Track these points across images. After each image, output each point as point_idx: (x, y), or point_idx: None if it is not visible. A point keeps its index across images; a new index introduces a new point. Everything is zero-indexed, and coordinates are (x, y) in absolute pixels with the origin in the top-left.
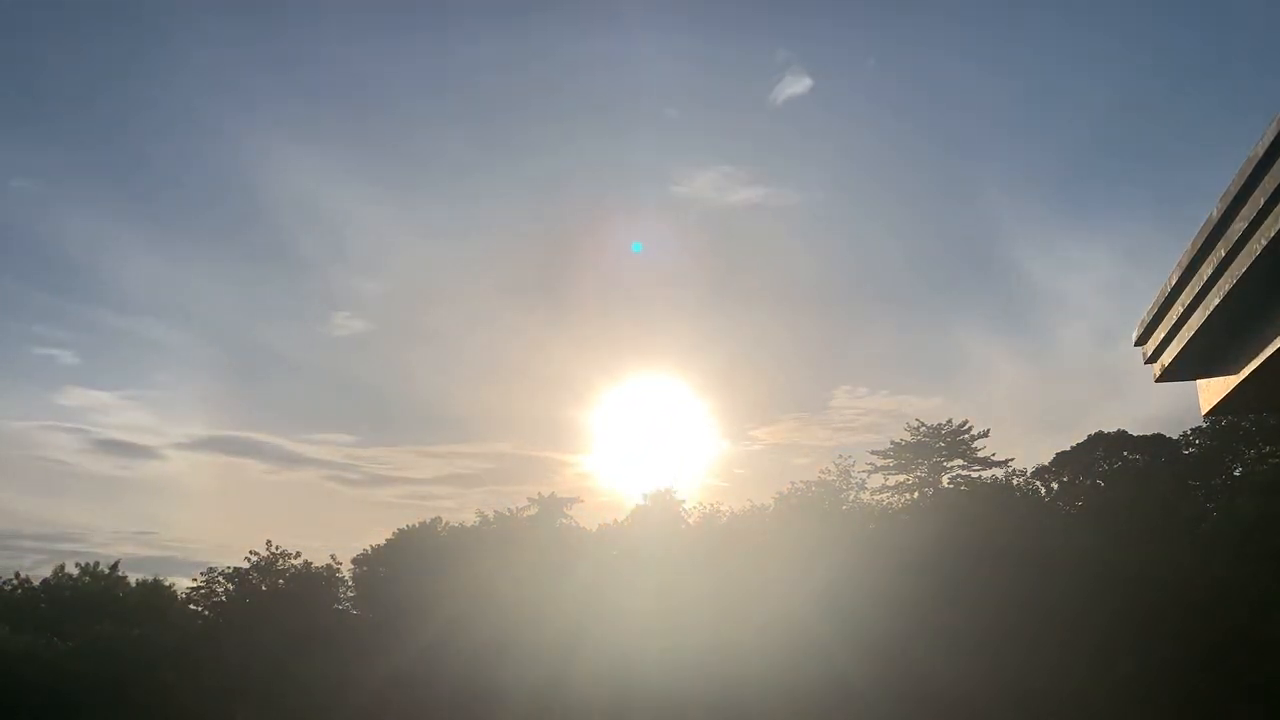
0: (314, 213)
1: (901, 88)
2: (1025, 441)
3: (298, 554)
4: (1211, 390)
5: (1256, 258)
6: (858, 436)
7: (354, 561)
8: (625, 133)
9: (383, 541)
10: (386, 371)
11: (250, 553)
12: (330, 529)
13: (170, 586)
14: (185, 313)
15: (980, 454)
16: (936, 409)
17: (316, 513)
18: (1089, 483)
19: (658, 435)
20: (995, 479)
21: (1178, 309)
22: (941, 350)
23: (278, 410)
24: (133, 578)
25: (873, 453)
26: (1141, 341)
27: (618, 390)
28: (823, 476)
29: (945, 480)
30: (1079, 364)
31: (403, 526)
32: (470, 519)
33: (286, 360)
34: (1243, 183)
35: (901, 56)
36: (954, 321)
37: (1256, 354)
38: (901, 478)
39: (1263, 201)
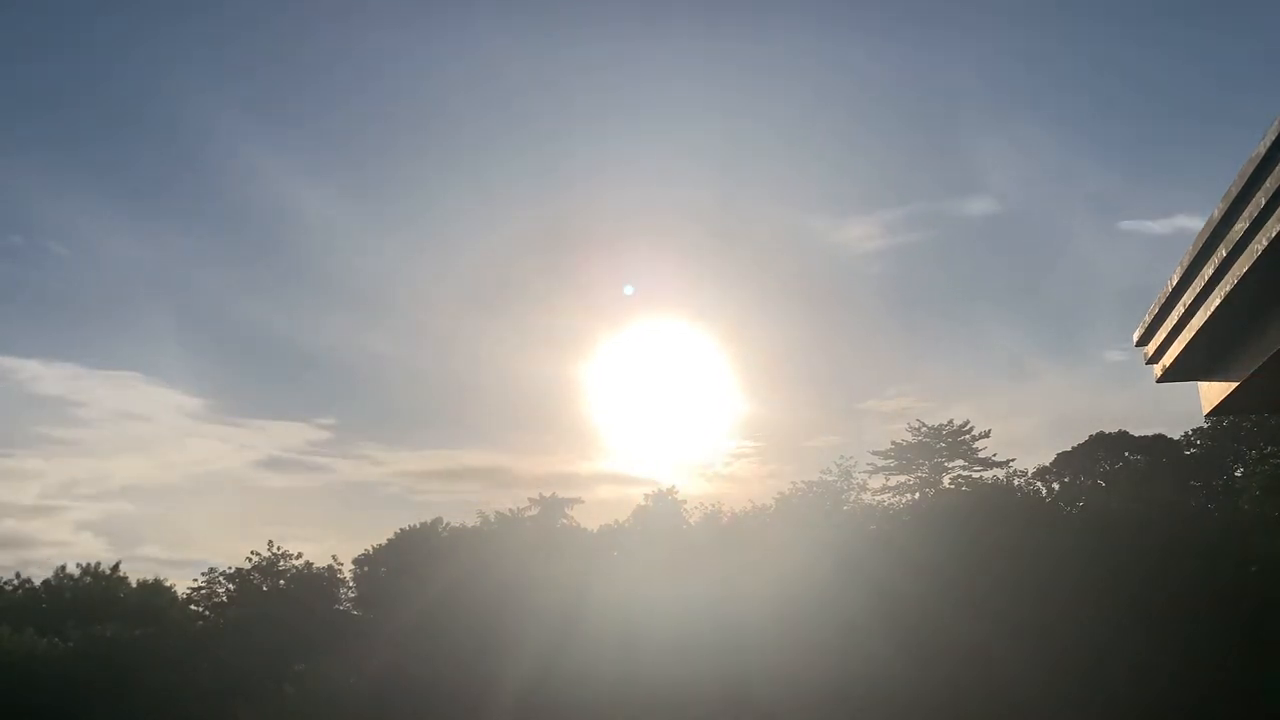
0: (313, 214)
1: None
2: (1027, 442)
3: (299, 554)
4: (1213, 391)
5: (1258, 258)
6: (862, 438)
7: (355, 562)
8: (628, 142)
9: (384, 541)
10: (386, 372)
11: (251, 553)
12: (328, 530)
13: (171, 587)
14: (182, 309)
15: (981, 454)
16: (936, 410)
17: (313, 514)
18: (1090, 483)
19: (664, 432)
20: (996, 479)
21: (1179, 310)
22: (945, 353)
23: (276, 409)
24: (133, 578)
25: (873, 453)
26: (1143, 342)
27: (625, 387)
28: (823, 477)
29: (946, 481)
30: (1081, 363)
31: (403, 527)
32: (471, 519)
33: (285, 358)
34: (1244, 183)
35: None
36: (962, 324)
37: (1258, 355)
38: (902, 478)
39: (1264, 202)
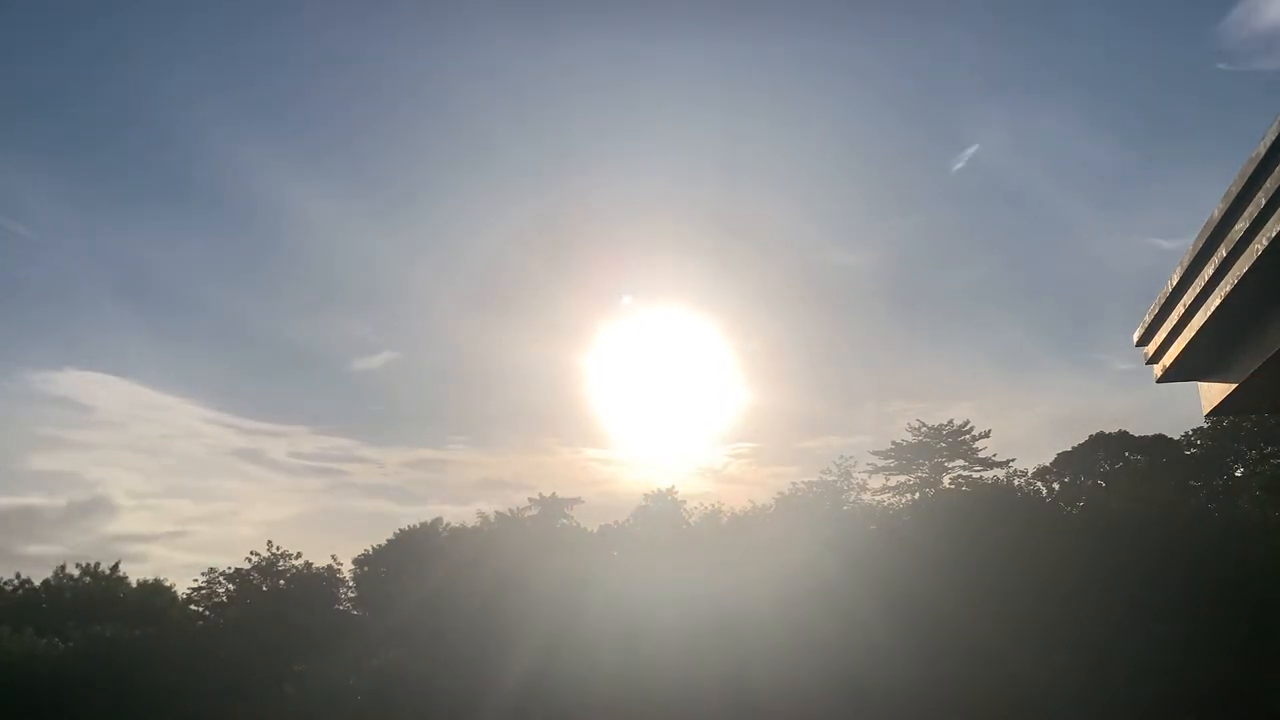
0: (314, 214)
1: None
2: (1028, 442)
3: (298, 554)
4: (1213, 391)
5: (1258, 258)
6: (862, 438)
7: (354, 562)
8: (628, 140)
9: (383, 542)
10: (388, 372)
11: (251, 553)
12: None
13: (171, 587)
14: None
15: (981, 454)
16: (936, 410)
17: (317, 512)
18: (1090, 483)
19: (664, 431)
20: (996, 479)
21: (1179, 310)
22: (945, 353)
23: (283, 409)
24: (133, 578)
25: (873, 453)
26: (1143, 342)
27: (626, 385)
28: (824, 477)
29: (946, 481)
30: (1082, 364)
31: (403, 527)
32: (471, 519)
33: (288, 358)
34: (1244, 183)
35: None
36: (963, 324)
37: (1258, 355)
38: (902, 478)
39: (1264, 202)
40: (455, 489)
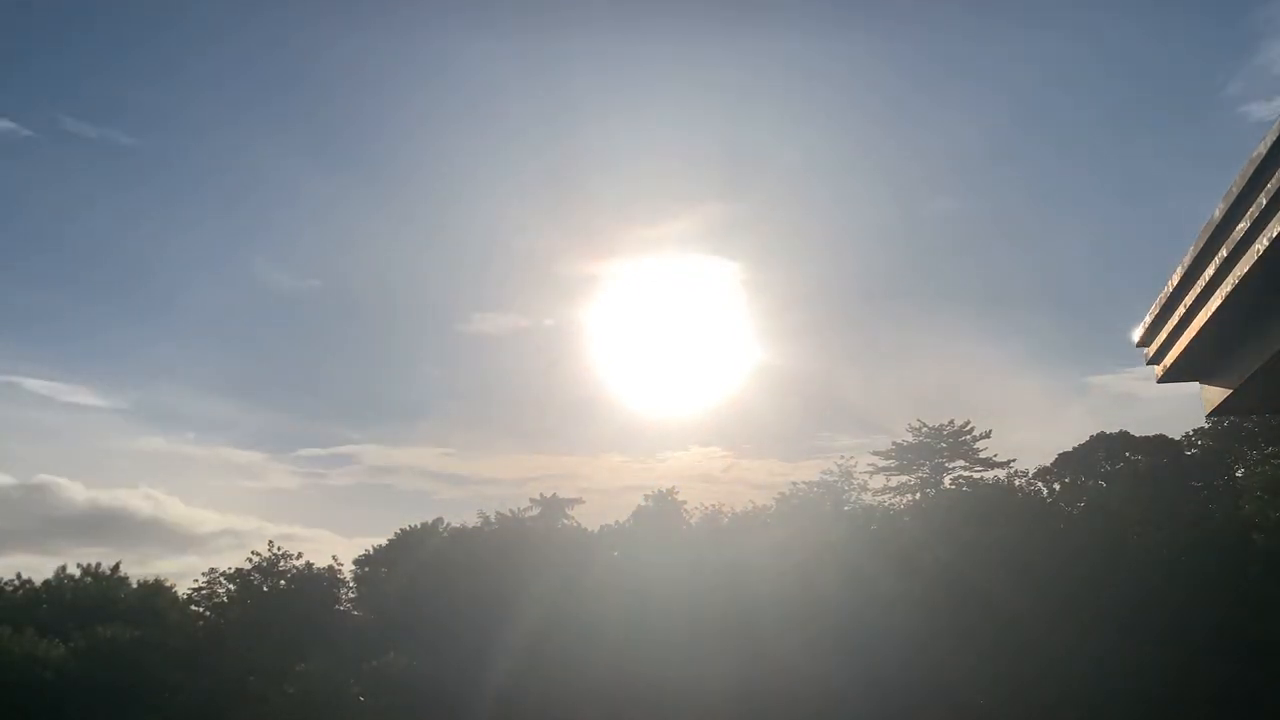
0: (307, 210)
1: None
2: (1028, 443)
3: (299, 554)
4: (1214, 391)
5: (1259, 258)
6: (863, 438)
7: (355, 562)
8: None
9: (384, 542)
10: (389, 370)
11: (252, 553)
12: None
13: (172, 587)
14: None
15: (982, 455)
16: (936, 410)
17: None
18: (1091, 483)
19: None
20: (997, 480)
21: (1180, 310)
22: (946, 352)
23: (288, 410)
24: (134, 578)
25: (874, 453)
26: (1144, 343)
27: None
28: (824, 477)
29: (947, 481)
30: (1084, 363)
31: (403, 527)
32: (472, 519)
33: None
34: (1245, 183)
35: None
36: (964, 323)
37: (1258, 355)
38: (903, 478)
39: (1265, 202)
40: (457, 487)
